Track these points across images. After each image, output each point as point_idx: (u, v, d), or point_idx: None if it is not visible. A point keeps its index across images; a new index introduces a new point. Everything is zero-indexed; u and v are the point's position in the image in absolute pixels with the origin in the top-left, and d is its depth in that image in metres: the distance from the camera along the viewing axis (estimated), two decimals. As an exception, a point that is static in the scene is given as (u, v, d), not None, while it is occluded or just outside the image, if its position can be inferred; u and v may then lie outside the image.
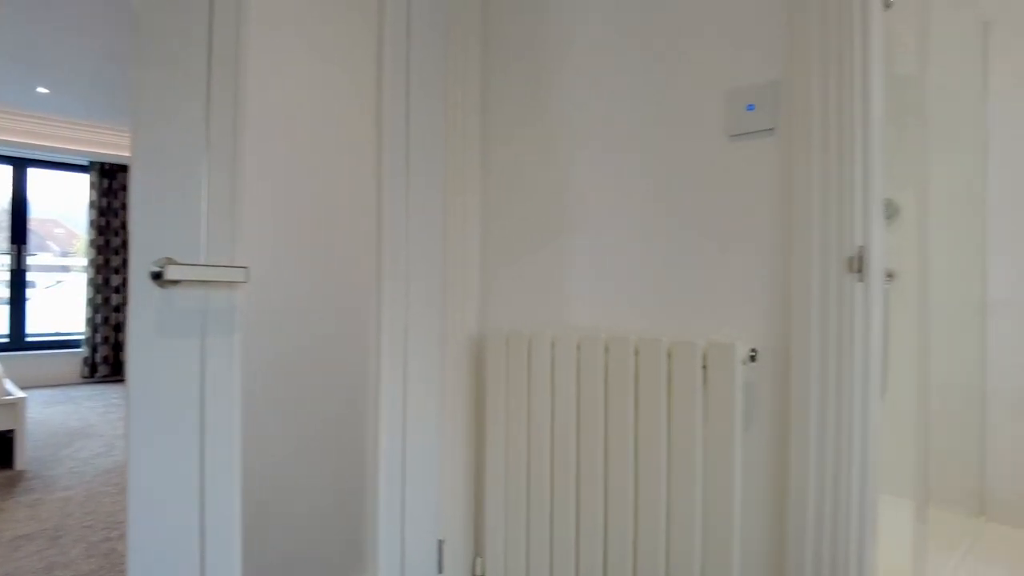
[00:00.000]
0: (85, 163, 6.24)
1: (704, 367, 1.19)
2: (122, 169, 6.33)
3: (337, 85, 1.78)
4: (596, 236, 1.47)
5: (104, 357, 6.29)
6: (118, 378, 6.35)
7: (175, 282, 1.07)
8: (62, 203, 6.75)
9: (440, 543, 1.64)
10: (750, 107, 1.20)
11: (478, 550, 1.71)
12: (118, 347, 6.39)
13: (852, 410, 1.07)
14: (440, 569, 1.64)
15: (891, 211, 2.76)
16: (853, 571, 1.09)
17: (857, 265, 1.06)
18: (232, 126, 1.14)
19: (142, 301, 1.04)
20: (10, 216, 5.95)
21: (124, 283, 6.35)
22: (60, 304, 6.66)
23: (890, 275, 2.74)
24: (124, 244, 6.34)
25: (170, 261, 1.06)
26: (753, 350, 1.18)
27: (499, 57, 1.71)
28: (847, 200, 1.07)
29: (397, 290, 1.53)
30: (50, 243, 6.97)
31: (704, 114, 1.29)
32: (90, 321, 6.21)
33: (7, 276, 5.96)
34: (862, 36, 1.09)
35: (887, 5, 2.80)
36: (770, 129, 1.18)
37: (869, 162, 1.07)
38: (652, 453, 1.27)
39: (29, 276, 6.11)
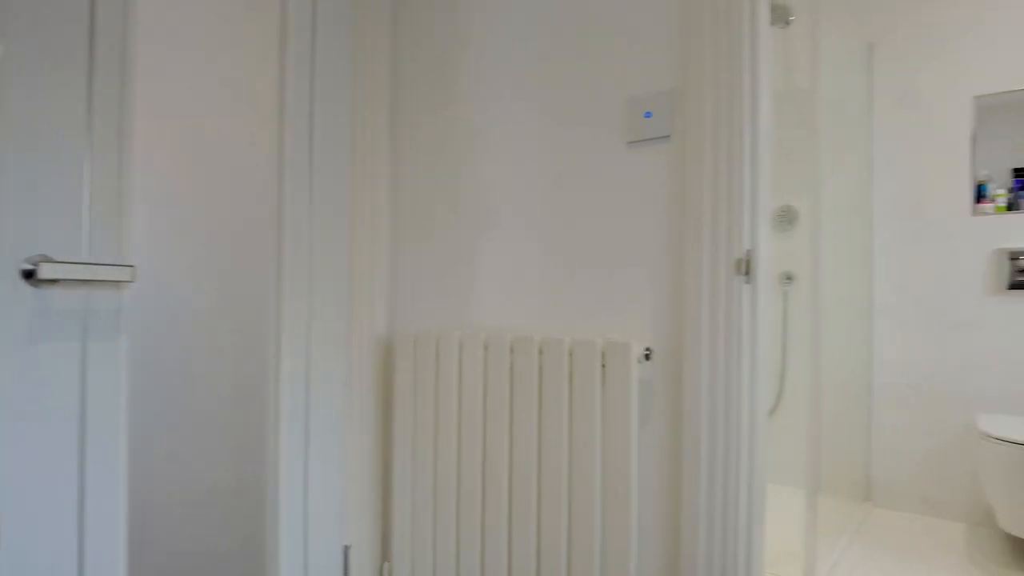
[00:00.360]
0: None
1: (603, 365, 1.23)
2: None
3: (237, 72, 1.72)
4: (504, 237, 1.49)
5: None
6: None
7: (52, 281, 1.00)
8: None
9: (346, 549, 1.61)
10: (648, 114, 1.24)
11: (385, 555, 1.69)
12: None
13: (740, 405, 1.13)
14: (346, 575, 1.61)
15: (791, 217, 2.93)
16: (742, 559, 1.16)
17: (744, 267, 1.12)
18: (118, 109, 1.08)
19: (11, 302, 0.96)
20: None
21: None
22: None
23: (789, 277, 2.91)
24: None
25: (45, 258, 0.99)
26: (648, 349, 1.23)
27: (409, 53, 1.70)
28: (736, 205, 1.13)
29: (299, 289, 1.50)
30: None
31: (605, 120, 1.33)
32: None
33: None
34: (750, 50, 1.16)
35: (786, 23, 2.97)
36: (666, 136, 1.23)
37: (756, 170, 1.13)
38: (554, 450, 1.29)
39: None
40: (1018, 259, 2.41)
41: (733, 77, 1.15)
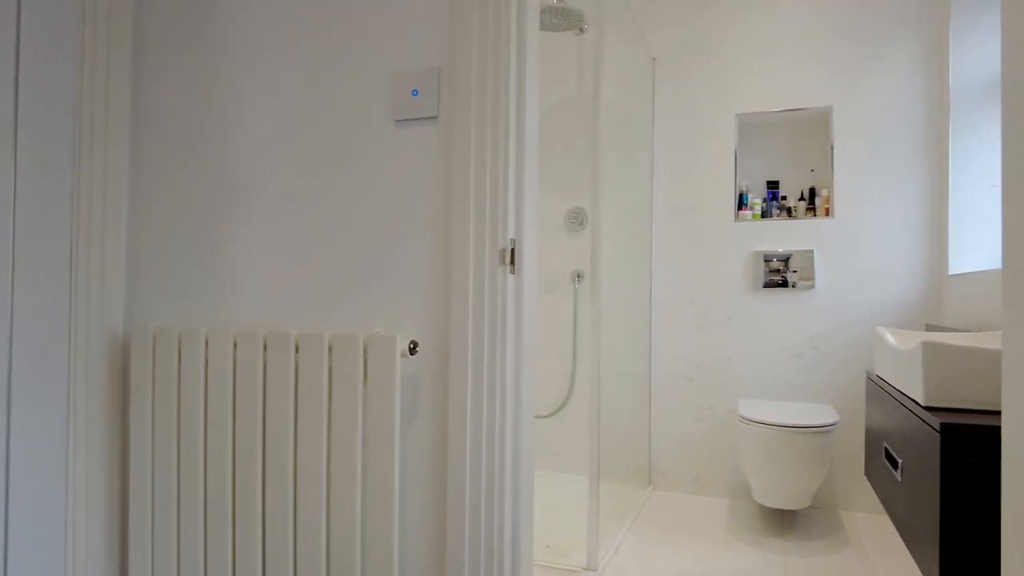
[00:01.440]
0: None
1: (366, 361, 1.13)
2: None
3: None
4: (262, 225, 1.33)
5: None
6: None
7: None
8: None
9: (67, 589, 1.34)
10: (415, 92, 1.17)
11: (121, 590, 1.44)
12: None
13: (504, 399, 1.09)
14: (66, 621, 1.34)
15: (581, 218, 3.06)
16: (508, 555, 1.12)
17: (509, 257, 1.09)
18: None
19: None
20: None
21: None
22: None
23: (579, 276, 3.03)
24: None
25: None
26: (413, 342, 1.15)
27: (152, 23, 1.47)
28: (500, 193, 1.09)
29: (-6, 278, 1.21)
30: None
31: (372, 96, 1.23)
32: None
33: None
34: (518, 39, 1.12)
35: (581, 30, 3.08)
36: (434, 117, 1.16)
37: (521, 160, 1.11)
38: (313, 456, 1.17)
39: None
40: (770, 261, 2.72)
41: (500, 62, 1.11)
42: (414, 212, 1.18)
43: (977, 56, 2.29)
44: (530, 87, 1.12)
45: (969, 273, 2.15)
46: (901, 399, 1.31)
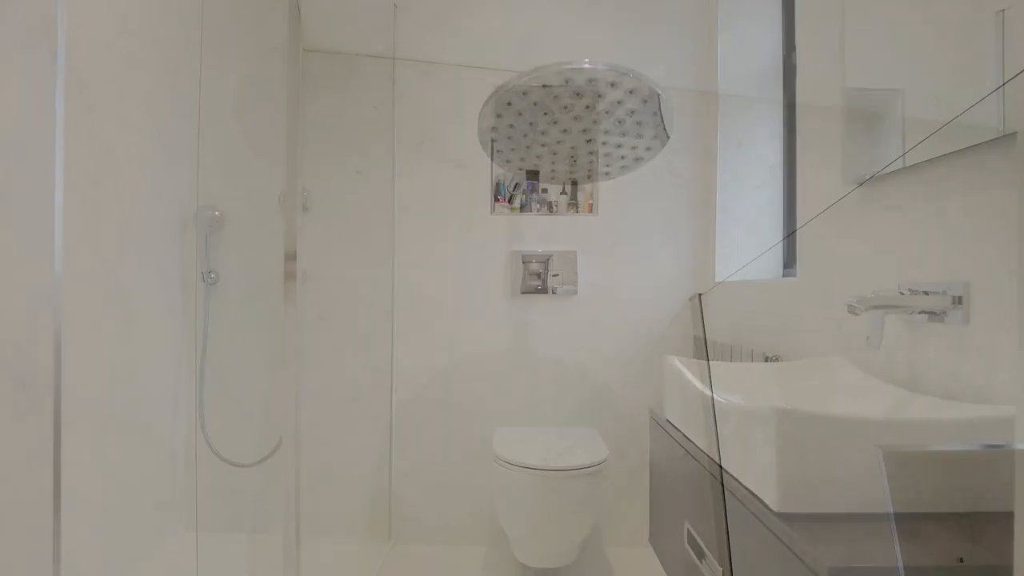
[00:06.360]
0: None
1: None
2: None
3: None
4: None
5: None
6: None
7: None
8: None
9: None
10: None
11: None
12: None
13: None
14: None
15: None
16: None
17: None
18: None
19: None
20: None
21: None
22: None
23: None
24: None
25: None
26: None
27: None
28: None
29: None
30: None
31: None
32: None
33: None
34: None
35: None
36: None
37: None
38: None
39: None
40: (530, 263, 2.29)
41: None
42: None
43: (746, 49, 2.07)
44: None
45: (734, 282, 1.91)
46: (730, 483, 0.87)
